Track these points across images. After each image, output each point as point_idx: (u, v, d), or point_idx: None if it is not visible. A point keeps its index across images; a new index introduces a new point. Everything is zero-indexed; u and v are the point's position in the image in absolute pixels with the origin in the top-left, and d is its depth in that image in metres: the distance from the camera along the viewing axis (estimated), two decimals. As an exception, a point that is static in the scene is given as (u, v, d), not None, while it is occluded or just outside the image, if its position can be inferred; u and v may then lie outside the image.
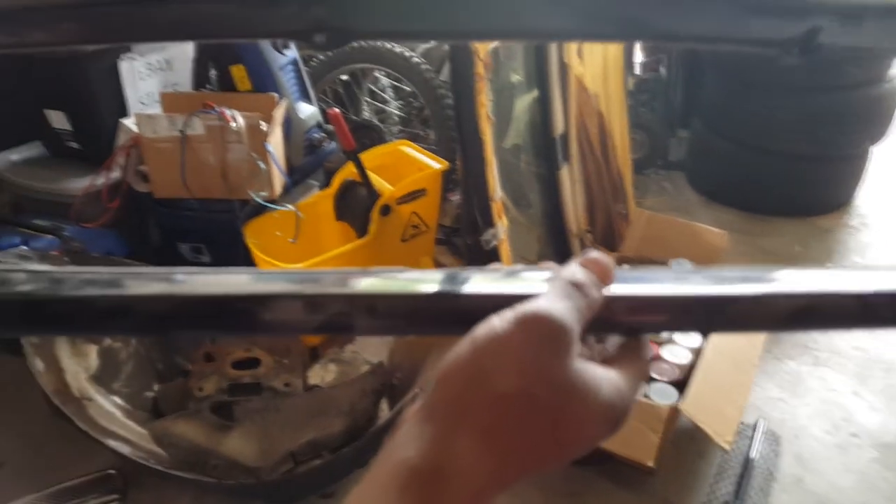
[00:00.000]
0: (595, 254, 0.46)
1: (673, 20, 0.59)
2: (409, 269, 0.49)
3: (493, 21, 0.62)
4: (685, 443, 1.98)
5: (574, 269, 0.45)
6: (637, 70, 3.47)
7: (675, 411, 1.75)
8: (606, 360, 0.45)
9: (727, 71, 3.15)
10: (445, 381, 0.41)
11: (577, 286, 0.43)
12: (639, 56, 3.52)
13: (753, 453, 1.86)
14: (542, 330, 0.41)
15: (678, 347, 1.99)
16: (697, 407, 1.75)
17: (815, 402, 2.15)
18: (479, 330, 0.41)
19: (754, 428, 1.95)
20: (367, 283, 0.48)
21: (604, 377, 0.42)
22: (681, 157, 3.59)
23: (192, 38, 1.89)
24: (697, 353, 1.96)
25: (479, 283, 0.47)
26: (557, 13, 0.60)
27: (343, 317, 0.46)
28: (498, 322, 0.41)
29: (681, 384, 1.86)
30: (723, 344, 1.97)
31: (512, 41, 2.07)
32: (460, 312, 0.45)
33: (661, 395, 1.84)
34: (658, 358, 1.95)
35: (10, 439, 2.12)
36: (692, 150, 3.52)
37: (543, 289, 0.43)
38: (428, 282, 0.47)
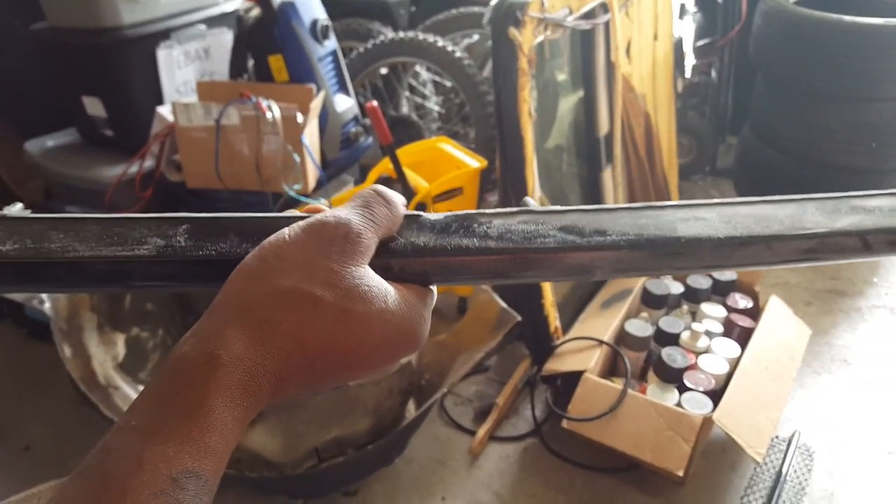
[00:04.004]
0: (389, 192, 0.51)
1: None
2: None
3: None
4: (717, 454, 2.04)
5: (378, 187, 0.50)
6: (687, 73, 3.51)
7: (708, 421, 1.81)
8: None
9: (778, 77, 3.19)
10: (231, 281, 0.45)
11: (376, 198, 0.49)
12: (690, 58, 3.56)
13: (786, 467, 1.91)
14: (330, 234, 0.45)
15: (715, 357, 2.04)
16: (731, 418, 1.81)
17: (851, 418, 2.19)
18: (271, 236, 0.46)
19: (788, 442, 2.00)
20: None
21: (390, 288, 0.46)
22: (729, 165, 3.63)
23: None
24: (735, 363, 2.01)
25: None
26: None
27: None
28: (288, 229, 0.46)
29: (716, 395, 1.92)
30: (760, 355, 2.02)
31: None
32: None
33: (694, 404, 1.90)
34: (694, 368, 2.01)
35: (36, 423, 2.26)
36: (741, 158, 3.55)
37: None
38: None
